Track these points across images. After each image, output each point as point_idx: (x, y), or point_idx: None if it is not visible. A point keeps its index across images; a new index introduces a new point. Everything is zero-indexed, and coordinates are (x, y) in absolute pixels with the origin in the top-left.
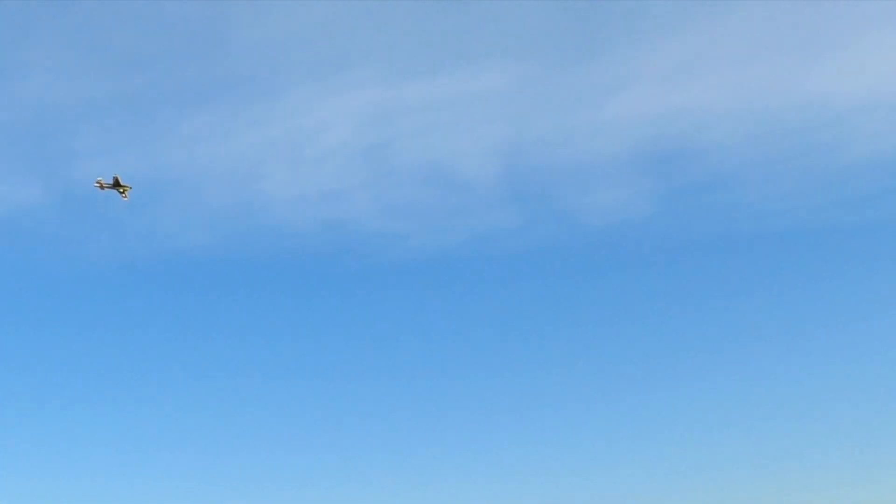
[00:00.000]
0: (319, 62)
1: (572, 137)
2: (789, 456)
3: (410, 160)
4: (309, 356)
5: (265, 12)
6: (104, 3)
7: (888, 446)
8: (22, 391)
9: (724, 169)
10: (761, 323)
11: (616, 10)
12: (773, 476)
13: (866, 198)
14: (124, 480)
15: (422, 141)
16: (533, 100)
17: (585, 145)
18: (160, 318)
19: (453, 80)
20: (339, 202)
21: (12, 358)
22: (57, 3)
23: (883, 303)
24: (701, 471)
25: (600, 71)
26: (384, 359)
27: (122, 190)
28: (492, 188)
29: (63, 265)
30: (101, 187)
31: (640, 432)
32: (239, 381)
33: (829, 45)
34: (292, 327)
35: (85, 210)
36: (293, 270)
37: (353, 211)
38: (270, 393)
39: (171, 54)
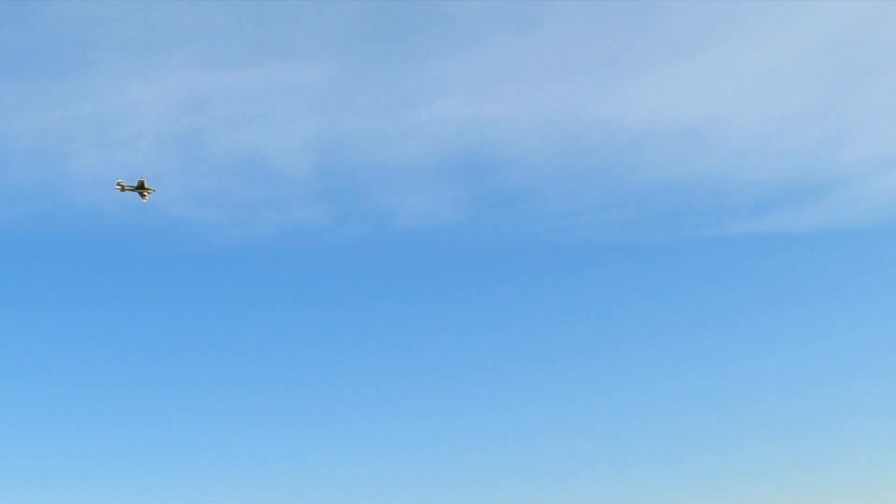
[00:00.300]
0: (133, 42)
1: (385, 139)
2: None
3: (223, 149)
4: (111, 339)
5: None
6: None
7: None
8: None
9: (527, 181)
10: (559, 329)
11: (430, 18)
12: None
13: (655, 219)
14: None
15: (236, 130)
16: (348, 99)
17: (397, 148)
18: None
19: (270, 73)
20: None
21: None
22: None
23: (665, 318)
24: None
25: (414, 76)
26: (189, 345)
27: (144, 192)
28: (304, 183)
29: None
30: (122, 189)
31: (428, 434)
32: (39, 360)
33: (627, 72)
34: (95, 309)
35: None
36: (99, 252)
37: (162, 196)
38: (67, 373)
39: None
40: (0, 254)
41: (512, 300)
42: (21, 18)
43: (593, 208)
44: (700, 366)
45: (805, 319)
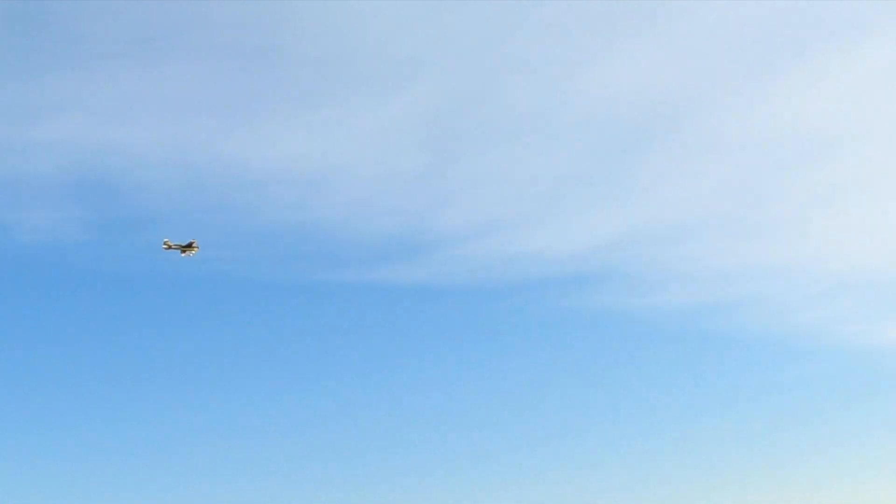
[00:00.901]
0: None
1: (5, 151)
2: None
3: None
4: None
5: None
6: None
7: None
8: None
9: (152, 210)
10: (163, 355)
11: (58, 36)
12: None
13: (274, 259)
14: None
15: None
16: None
17: (17, 161)
18: None
19: None
20: None
21: None
22: None
23: (264, 357)
24: None
25: (38, 91)
26: None
27: (186, 250)
28: None
29: None
30: (169, 248)
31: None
32: None
33: (252, 115)
34: None
35: None
36: None
37: None
38: None
39: None
40: None
41: (134, 326)
42: None
43: (216, 243)
44: (323, 398)
45: (394, 368)
